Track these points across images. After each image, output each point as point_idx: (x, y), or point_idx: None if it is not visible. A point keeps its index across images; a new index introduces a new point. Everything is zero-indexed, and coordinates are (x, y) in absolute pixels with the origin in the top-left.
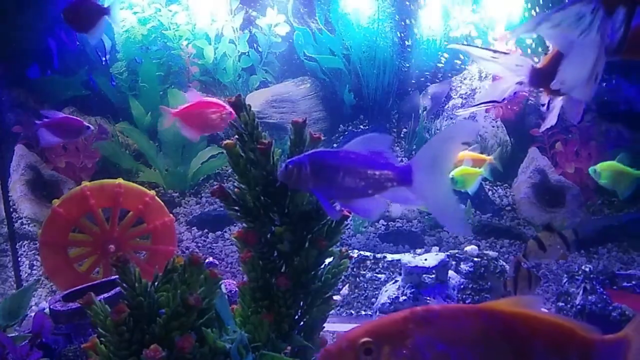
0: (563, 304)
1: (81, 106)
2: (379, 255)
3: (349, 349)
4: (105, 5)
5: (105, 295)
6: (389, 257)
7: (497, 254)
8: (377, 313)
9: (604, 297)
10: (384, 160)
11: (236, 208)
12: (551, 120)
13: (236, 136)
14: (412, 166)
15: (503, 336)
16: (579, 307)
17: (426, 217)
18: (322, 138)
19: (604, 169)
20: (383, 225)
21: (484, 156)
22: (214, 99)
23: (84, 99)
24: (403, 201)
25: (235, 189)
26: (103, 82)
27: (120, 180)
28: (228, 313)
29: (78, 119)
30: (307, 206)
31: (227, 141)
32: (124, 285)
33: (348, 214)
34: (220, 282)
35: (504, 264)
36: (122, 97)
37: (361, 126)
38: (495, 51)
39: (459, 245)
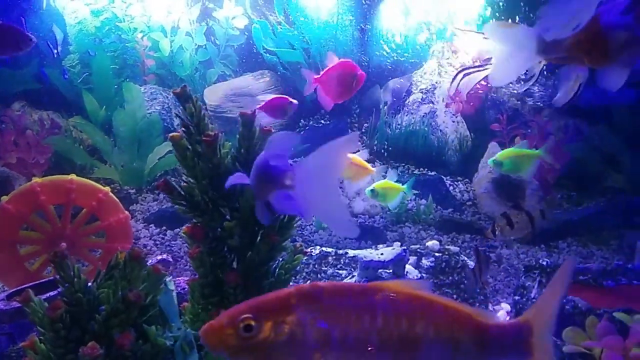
0: (519, 297)
1: (32, 100)
2: (340, 251)
3: (230, 325)
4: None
5: (52, 293)
6: (351, 252)
7: (458, 248)
8: None
9: None
10: (278, 163)
11: (183, 202)
12: (565, 96)
13: (182, 128)
14: (295, 170)
15: (390, 317)
16: (533, 300)
17: (388, 212)
18: (272, 131)
19: (505, 158)
20: None
21: (367, 165)
22: (347, 60)
23: (35, 92)
24: (289, 206)
25: (183, 183)
26: (55, 76)
27: (72, 176)
28: (174, 310)
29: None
30: None
31: (173, 133)
32: (62, 281)
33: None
34: (163, 278)
35: (466, 258)
36: (75, 90)
37: (322, 121)
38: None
39: (421, 241)
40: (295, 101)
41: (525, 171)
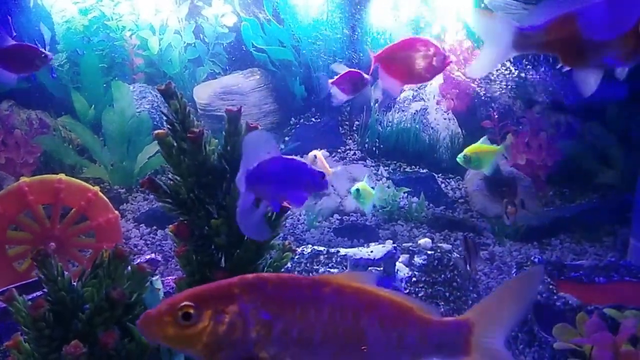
0: None
1: (20, 99)
2: (332, 250)
3: (168, 312)
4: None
5: (38, 293)
6: (343, 251)
7: (450, 246)
8: None
9: (550, 286)
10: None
11: (168, 200)
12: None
13: (167, 125)
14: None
15: (335, 310)
16: None
17: (379, 210)
18: (259, 127)
19: (472, 153)
20: (337, 219)
21: (326, 165)
22: (422, 37)
23: (23, 91)
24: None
25: (170, 182)
26: (43, 75)
27: (61, 176)
28: None
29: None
30: None
31: (158, 131)
32: (45, 279)
33: (288, 206)
34: (148, 277)
35: (458, 256)
36: (63, 89)
37: (313, 119)
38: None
39: (413, 239)
40: (368, 76)
41: (486, 167)
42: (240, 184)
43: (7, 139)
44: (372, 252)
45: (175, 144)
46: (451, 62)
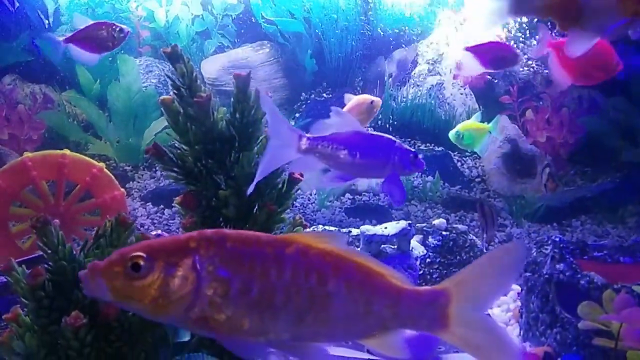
0: (530, 273)
1: (24, 73)
2: (344, 230)
3: (118, 263)
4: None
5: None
6: (355, 231)
7: (466, 227)
8: None
9: (573, 265)
10: None
11: (174, 169)
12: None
13: (173, 91)
14: None
15: (299, 270)
16: (546, 275)
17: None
18: (270, 95)
19: (465, 130)
20: (349, 199)
21: None
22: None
23: (26, 65)
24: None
25: (177, 150)
26: (47, 48)
27: (66, 151)
28: None
29: None
30: (254, 168)
31: (164, 96)
32: (45, 248)
33: (300, 177)
34: None
35: (474, 237)
36: (68, 63)
37: (324, 94)
38: None
39: (428, 219)
40: (520, 54)
41: (478, 146)
42: None
43: (11, 115)
44: (385, 228)
45: (181, 111)
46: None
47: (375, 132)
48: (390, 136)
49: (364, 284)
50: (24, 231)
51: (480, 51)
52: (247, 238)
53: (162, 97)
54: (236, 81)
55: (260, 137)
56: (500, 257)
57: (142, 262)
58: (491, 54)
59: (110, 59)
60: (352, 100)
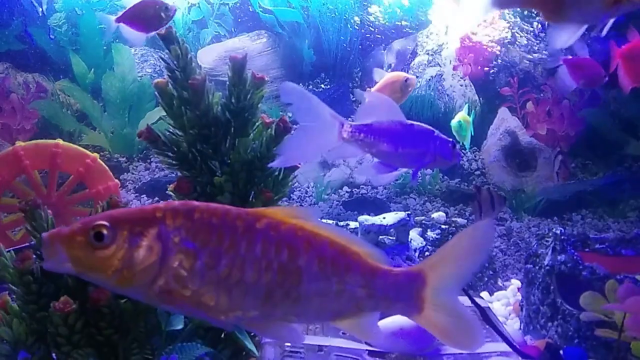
0: (531, 265)
1: (17, 62)
2: (341, 223)
3: (81, 231)
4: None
5: None
6: (352, 224)
7: (465, 221)
8: None
9: (574, 257)
10: None
11: (168, 154)
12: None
13: (168, 73)
14: None
15: (269, 245)
16: (547, 267)
17: (392, 183)
18: (266, 79)
19: (465, 121)
20: (347, 192)
21: None
22: None
23: (19, 53)
24: None
25: (171, 136)
26: (40, 36)
27: (59, 141)
28: None
29: None
30: (250, 154)
31: (158, 79)
32: (33, 232)
33: (297, 164)
34: None
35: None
36: (61, 52)
37: (322, 85)
38: None
39: (427, 213)
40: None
41: (466, 139)
42: None
43: (3, 104)
44: (384, 218)
45: (175, 94)
46: None
47: (413, 122)
48: (428, 126)
49: (337, 261)
50: (15, 222)
51: (574, 66)
52: (216, 210)
53: (156, 80)
54: (232, 64)
55: (257, 123)
56: (471, 237)
57: (105, 232)
58: (583, 71)
59: (105, 47)
60: (384, 77)
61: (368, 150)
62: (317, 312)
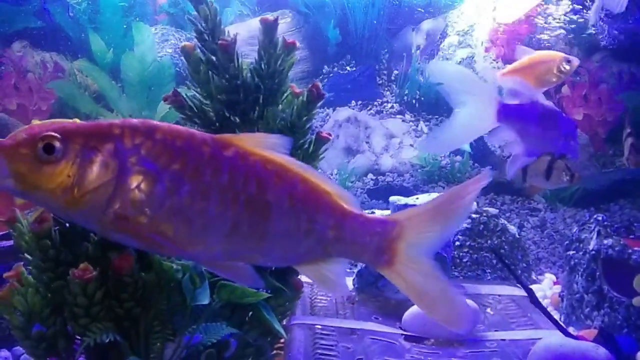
0: (574, 251)
1: (34, 40)
2: (367, 212)
3: (26, 143)
4: None
5: None
6: (378, 212)
7: (497, 211)
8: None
9: (621, 242)
10: None
11: (196, 120)
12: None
13: (195, 36)
14: None
15: (237, 174)
16: (593, 252)
17: (419, 170)
18: (296, 44)
19: None
20: (372, 179)
21: None
22: None
23: (36, 31)
24: None
25: (198, 103)
26: (59, 13)
27: (76, 120)
28: None
29: None
30: (280, 124)
31: (186, 42)
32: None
33: (328, 136)
34: None
35: (505, 222)
36: (80, 30)
37: (347, 67)
38: None
39: None
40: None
41: None
42: None
43: (20, 84)
44: (417, 199)
45: (203, 58)
46: None
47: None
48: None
49: (307, 198)
50: (28, 204)
51: None
52: (180, 132)
53: (183, 44)
54: (263, 26)
55: (287, 93)
56: (457, 196)
57: (56, 144)
58: None
59: (125, 26)
60: (533, 55)
61: (518, 133)
62: (283, 252)
